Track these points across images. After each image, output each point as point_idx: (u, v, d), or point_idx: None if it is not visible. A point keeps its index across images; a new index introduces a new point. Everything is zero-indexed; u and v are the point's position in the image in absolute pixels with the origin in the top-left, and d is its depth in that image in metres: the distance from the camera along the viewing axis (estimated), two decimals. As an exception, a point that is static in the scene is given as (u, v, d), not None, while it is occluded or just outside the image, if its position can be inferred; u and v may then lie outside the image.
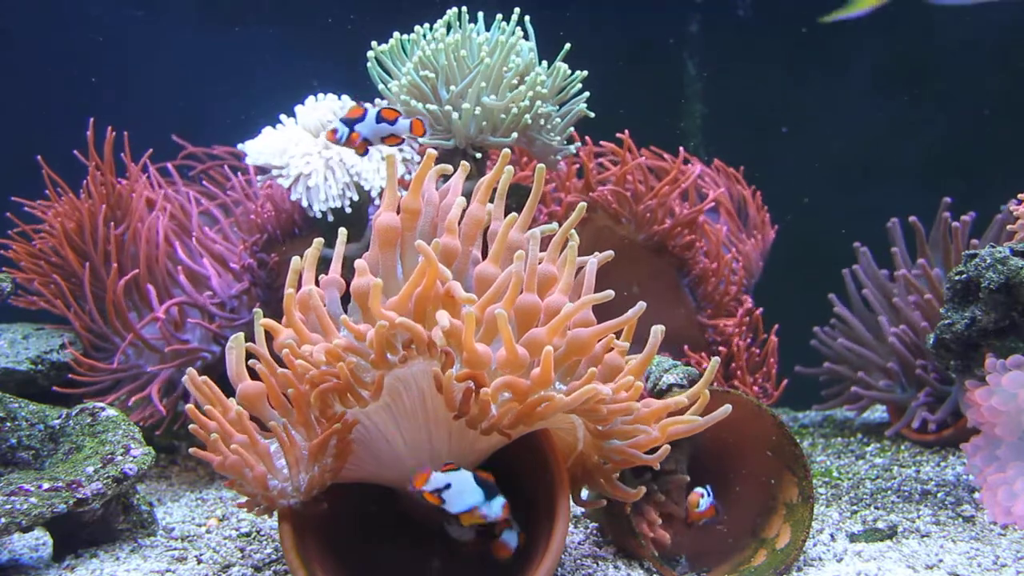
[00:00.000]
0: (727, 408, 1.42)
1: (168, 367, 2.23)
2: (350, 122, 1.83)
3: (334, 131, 1.83)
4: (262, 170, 2.20)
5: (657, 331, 1.38)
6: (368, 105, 1.94)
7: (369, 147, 1.86)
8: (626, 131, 2.41)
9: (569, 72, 2.15)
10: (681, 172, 2.36)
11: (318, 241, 1.44)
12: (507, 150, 1.48)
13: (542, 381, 1.26)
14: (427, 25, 2.14)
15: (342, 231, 1.48)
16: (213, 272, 2.32)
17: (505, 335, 1.25)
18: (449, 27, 2.12)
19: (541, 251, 1.41)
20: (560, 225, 1.46)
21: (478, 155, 2.10)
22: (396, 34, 2.16)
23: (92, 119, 2.37)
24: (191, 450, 1.37)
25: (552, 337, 1.30)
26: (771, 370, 2.37)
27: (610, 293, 1.36)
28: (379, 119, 1.83)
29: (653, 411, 1.38)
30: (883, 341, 2.58)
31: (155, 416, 2.19)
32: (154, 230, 2.35)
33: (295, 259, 1.41)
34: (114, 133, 2.38)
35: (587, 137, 2.41)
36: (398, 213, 1.46)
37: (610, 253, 1.49)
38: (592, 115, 2.21)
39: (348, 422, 1.32)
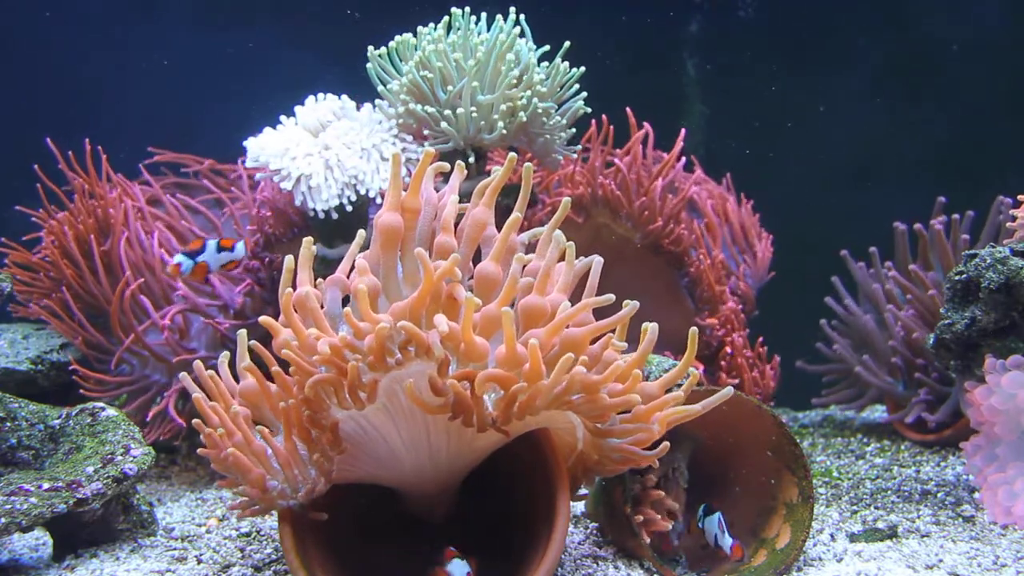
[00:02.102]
0: (728, 390, 1.42)
1: (177, 387, 2.21)
2: (192, 254, 2.08)
3: (178, 264, 2.07)
4: (263, 170, 2.20)
5: (652, 328, 1.37)
6: (210, 241, 2.14)
7: (209, 274, 2.15)
8: (647, 126, 2.40)
9: (567, 70, 2.15)
10: (671, 169, 2.34)
11: (307, 241, 1.43)
12: (513, 153, 1.47)
13: (532, 375, 1.26)
14: (432, 25, 2.13)
15: (360, 232, 1.47)
16: (215, 277, 2.32)
17: (507, 332, 1.25)
18: (450, 28, 2.12)
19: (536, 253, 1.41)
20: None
21: (471, 156, 2.10)
22: (408, 36, 2.15)
23: (49, 138, 2.37)
24: (200, 430, 1.37)
25: (551, 339, 1.30)
26: (762, 365, 2.36)
27: (611, 297, 1.36)
28: (219, 248, 2.10)
29: (650, 408, 1.38)
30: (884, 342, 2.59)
31: (173, 430, 2.19)
32: (150, 240, 2.35)
33: (287, 259, 1.41)
34: (91, 146, 2.38)
35: (603, 116, 2.39)
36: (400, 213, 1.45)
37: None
38: (589, 110, 2.21)
39: (333, 422, 1.32)
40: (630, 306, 1.37)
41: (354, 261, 1.41)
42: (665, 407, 1.39)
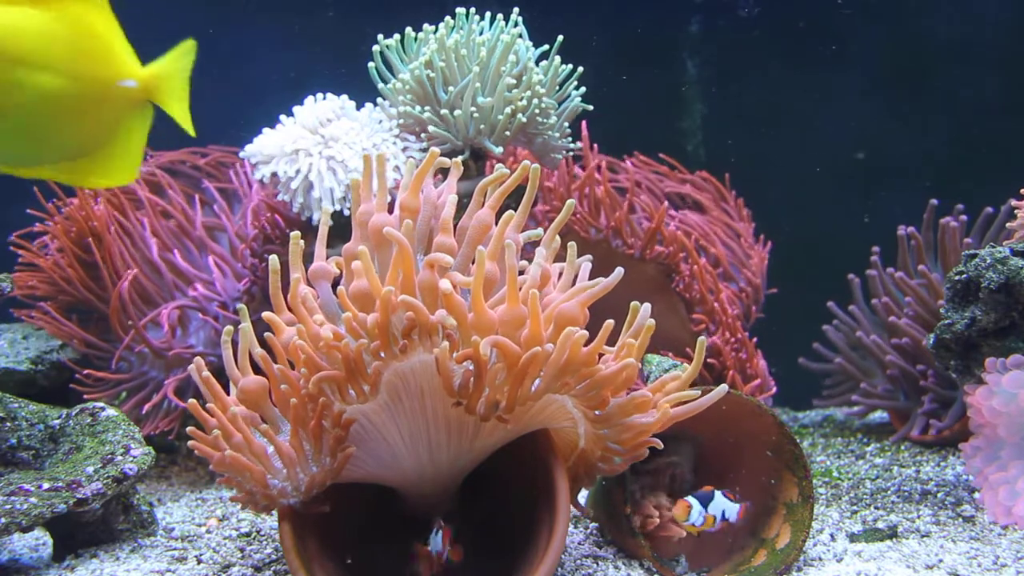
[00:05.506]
0: (723, 388, 1.42)
1: (176, 378, 2.21)
2: None
3: None
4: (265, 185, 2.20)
5: (645, 307, 1.37)
6: None
7: None
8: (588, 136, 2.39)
9: (563, 67, 2.15)
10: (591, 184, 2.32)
11: (295, 235, 1.42)
12: (527, 162, 1.46)
13: (532, 338, 1.26)
14: (440, 23, 2.13)
15: (325, 209, 1.47)
16: (218, 272, 2.32)
17: (510, 267, 1.26)
18: (452, 28, 2.13)
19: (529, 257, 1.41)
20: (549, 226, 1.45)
21: (467, 154, 2.10)
22: (409, 31, 2.15)
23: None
24: (190, 443, 1.37)
25: (547, 326, 1.30)
26: (755, 368, 2.36)
27: (600, 280, 1.35)
28: None
29: (652, 390, 1.38)
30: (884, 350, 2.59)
31: (171, 422, 2.19)
32: (150, 236, 2.35)
33: (272, 259, 1.40)
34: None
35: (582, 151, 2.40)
36: (392, 212, 1.44)
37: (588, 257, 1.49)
38: (591, 108, 2.21)
39: (346, 420, 1.32)
40: (616, 273, 1.35)
41: (340, 257, 1.41)
42: (666, 387, 1.39)
